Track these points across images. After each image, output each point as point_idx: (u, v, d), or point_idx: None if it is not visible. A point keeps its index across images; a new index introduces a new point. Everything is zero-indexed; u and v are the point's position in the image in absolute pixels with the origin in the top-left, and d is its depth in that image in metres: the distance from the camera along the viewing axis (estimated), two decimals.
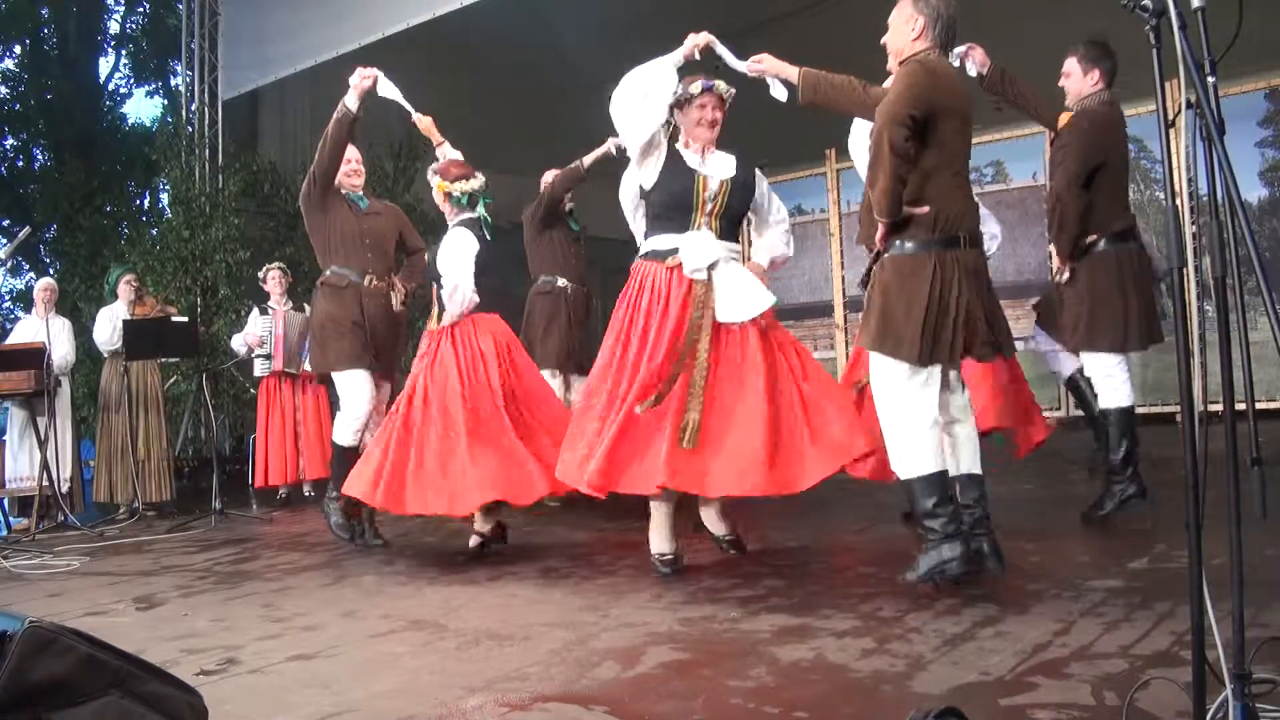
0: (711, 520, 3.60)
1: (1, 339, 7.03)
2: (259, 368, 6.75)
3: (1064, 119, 3.72)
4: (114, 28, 15.95)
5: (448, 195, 4.01)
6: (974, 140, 3.03)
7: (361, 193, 4.62)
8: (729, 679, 2.23)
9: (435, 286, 3.98)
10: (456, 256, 3.89)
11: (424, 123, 4.20)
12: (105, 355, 6.43)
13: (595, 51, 9.69)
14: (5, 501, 6.25)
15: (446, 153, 4.16)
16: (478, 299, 3.93)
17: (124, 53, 16.10)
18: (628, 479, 3.11)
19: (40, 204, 13.13)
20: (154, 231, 9.56)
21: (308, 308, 4.90)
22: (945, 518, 2.78)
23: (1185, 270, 1.57)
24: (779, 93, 3.30)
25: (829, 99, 3.19)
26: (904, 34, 2.89)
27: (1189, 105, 1.52)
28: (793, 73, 3.23)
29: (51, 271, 11.52)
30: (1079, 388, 4.02)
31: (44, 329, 6.07)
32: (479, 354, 3.87)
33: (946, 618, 2.63)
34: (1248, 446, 1.47)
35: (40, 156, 14.88)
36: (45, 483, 5.62)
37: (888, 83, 2.98)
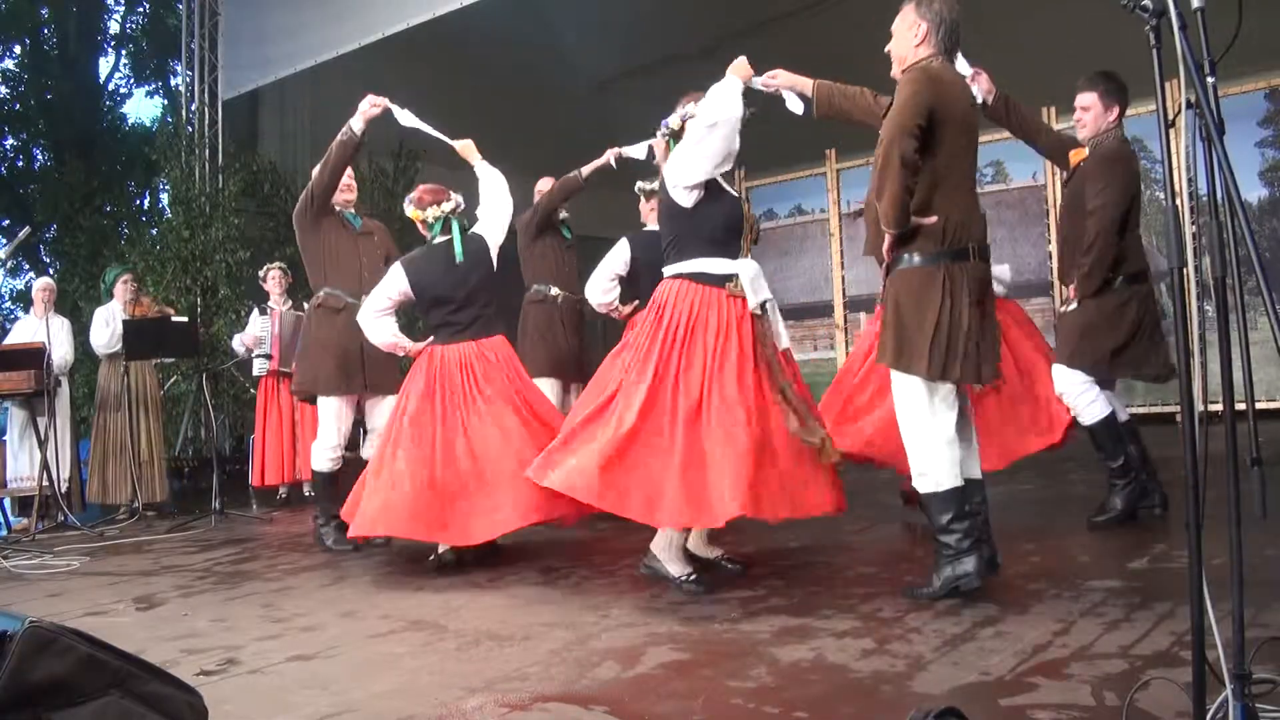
0: (700, 548, 3.48)
1: (1, 339, 7.02)
2: (257, 367, 6.75)
3: (1076, 156, 3.72)
4: (114, 28, 15.99)
5: (422, 222, 4.00)
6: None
7: (354, 210, 4.65)
8: (729, 679, 2.23)
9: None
10: (371, 295, 3.98)
11: (462, 146, 4.10)
12: (102, 357, 6.42)
13: (595, 51, 9.74)
14: (5, 501, 6.26)
15: (484, 171, 4.06)
16: (380, 337, 3.96)
17: (124, 53, 16.11)
18: (669, 505, 2.95)
19: (40, 204, 13.13)
20: (154, 231, 9.56)
21: (306, 306, 4.92)
22: (961, 533, 2.78)
23: (1185, 270, 1.57)
24: (795, 106, 3.29)
25: (842, 110, 3.20)
26: (907, 40, 2.87)
27: (1189, 105, 1.52)
28: (807, 85, 3.23)
29: (51, 271, 11.51)
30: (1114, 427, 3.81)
31: (42, 329, 6.06)
32: (434, 384, 3.80)
33: (946, 618, 2.63)
34: (1248, 446, 1.47)
35: (40, 156, 14.89)
36: (45, 483, 5.62)
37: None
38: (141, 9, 16.24)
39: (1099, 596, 2.72)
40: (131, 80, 16.13)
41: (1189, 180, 1.65)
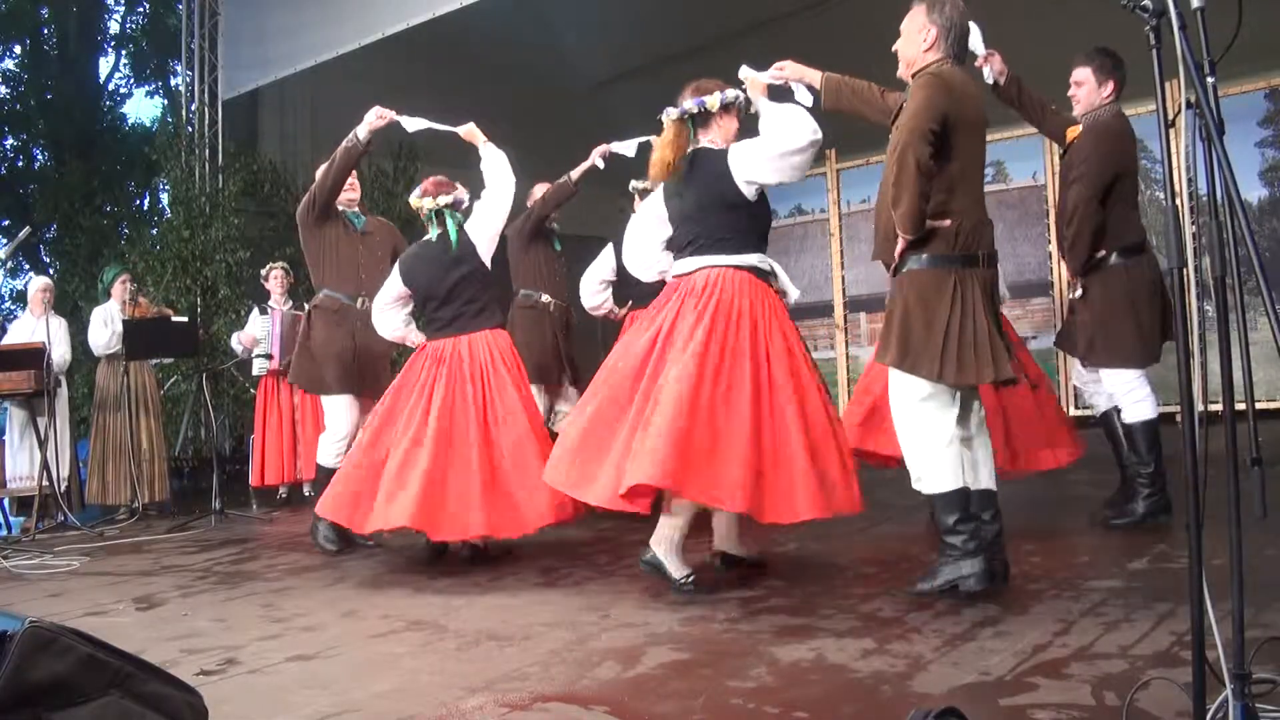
0: (734, 545, 3.40)
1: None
2: (256, 367, 6.75)
3: (1072, 132, 3.71)
4: (114, 28, 15.95)
5: (420, 213, 4.02)
6: None
7: (357, 209, 4.66)
8: (729, 679, 2.23)
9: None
10: (381, 289, 4.05)
11: (466, 130, 4.08)
12: (102, 357, 6.42)
13: (594, 51, 9.74)
14: (5, 501, 6.25)
15: (487, 153, 4.02)
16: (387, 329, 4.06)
17: (124, 53, 16.08)
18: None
19: (40, 204, 13.11)
20: (154, 231, 9.57)
21: (307, 306, 4.93)
22: (966, 534, 2.77)
23: (1185, 270, 1.57)
24: (804, 98, 3.26)
25: (850, 104, 3.19)
26: (916, 43, 2.86)
27: (1189, 105, 1.52)
28: (815, 77, 3.22)
29: (51, 272, 11.51)
30: (1112, 426, 3.84)
31: (39, 328, 6.05)
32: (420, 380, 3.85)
33: (946, 618, 2.63)
34: (1248, 446, 1.47)
35: (40, 156, 14.86)
36: (45, 483, 5.62)
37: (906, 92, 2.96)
38: (141, 9, 16.23)
39: (1099, 596, 2.72)
40: (131, 80, 16.13)
41: (1189, 180, 1.65)
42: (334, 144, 4.44)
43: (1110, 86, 3.64)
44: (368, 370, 4.56)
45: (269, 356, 6.64)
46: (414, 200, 4.00)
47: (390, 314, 4.03)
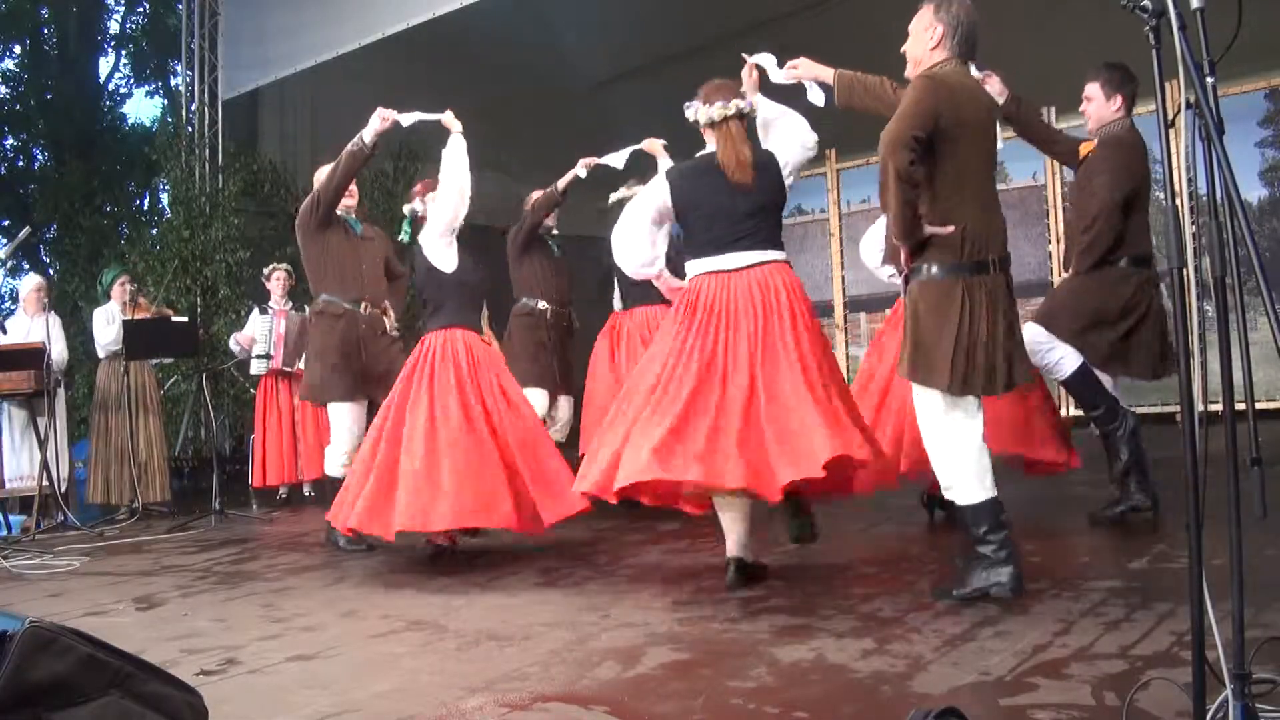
0: (748, 552, 3.31)
1: None
2: (255, 367, 6.74)
3: (1085, 147, 3.71)
4: (114, 28, 15.94)
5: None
6: None
7: (355, 215, 4.66)
8: (729, 679, 2.23)
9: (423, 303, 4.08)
10: None
11: (446, 119, 4.05)
12: (102, 356, 6.41)
13: (594, 52, 9.74)
14: (5, 501, 6.25)
15: (450, 142, 3.98)
16: None
17: (124, 53, 16.07)
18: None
19: (40, 204, 13.10)
20: (154, 231, 9.56)
21: (307, 308, 4.93)
22: (997, 544, 2.75)
23: (1185, 270, 1.57)
24: (816, 96, 3.26)
25: (862, 101, 3.17)
26: (923, 42, 2.84)
27: (1189, 105, 1.52)
28: (828, 74, 3.20)
29: (51, 272, 11.51)
30: (1110, 441, 3.73)
31: (33, 328, 6.02)
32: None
33: (946, 618, 2.63)
34: (1248, 446, 1.47)
35: (40, 156, 14.85)
36: (45, 483, 5.62)
37: None
38: (141, 9, 16.22)
39: (1099, 596, 2.72)
40: (131, 80, 16.12)
41: (1189, 180, 1.66)
42: (334, 144, 4.44)
43: (1119, 100, 3.63)
44: (370, 374, 4.55)
45: (268, 357, 6.64)
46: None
47: None
